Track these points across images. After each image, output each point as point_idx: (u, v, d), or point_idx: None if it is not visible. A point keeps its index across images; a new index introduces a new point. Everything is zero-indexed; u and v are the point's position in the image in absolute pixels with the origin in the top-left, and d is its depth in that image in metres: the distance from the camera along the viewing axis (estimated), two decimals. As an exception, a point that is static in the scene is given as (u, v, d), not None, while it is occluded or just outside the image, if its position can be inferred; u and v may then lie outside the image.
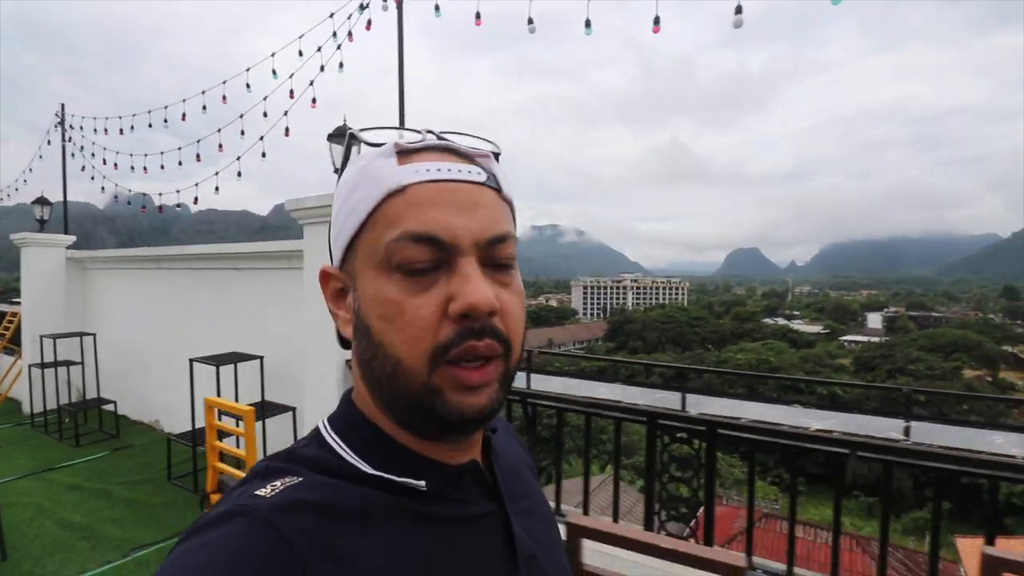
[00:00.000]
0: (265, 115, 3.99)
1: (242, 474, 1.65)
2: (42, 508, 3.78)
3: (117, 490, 4.02)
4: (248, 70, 3.69)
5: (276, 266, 4.16)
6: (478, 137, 0.49)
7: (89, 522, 3.57)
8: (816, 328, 68.55)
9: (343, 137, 3.68)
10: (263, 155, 4.22)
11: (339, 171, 0.48)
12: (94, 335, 5.87)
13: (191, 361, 4.12)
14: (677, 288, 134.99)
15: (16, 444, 5.20)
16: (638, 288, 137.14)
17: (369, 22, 3.50)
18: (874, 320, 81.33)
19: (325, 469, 0.43)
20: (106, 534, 3.41)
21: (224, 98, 4.20)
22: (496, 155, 0.49)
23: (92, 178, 4.81)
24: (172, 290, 5.46)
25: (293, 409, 3.99)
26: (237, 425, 2.92)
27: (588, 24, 3.04)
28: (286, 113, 3.69)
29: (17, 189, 7.39)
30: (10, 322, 6.97)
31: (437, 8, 3.10)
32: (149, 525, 3.50)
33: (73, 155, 6.23)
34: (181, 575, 0.34)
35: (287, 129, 3.91)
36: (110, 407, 5.57)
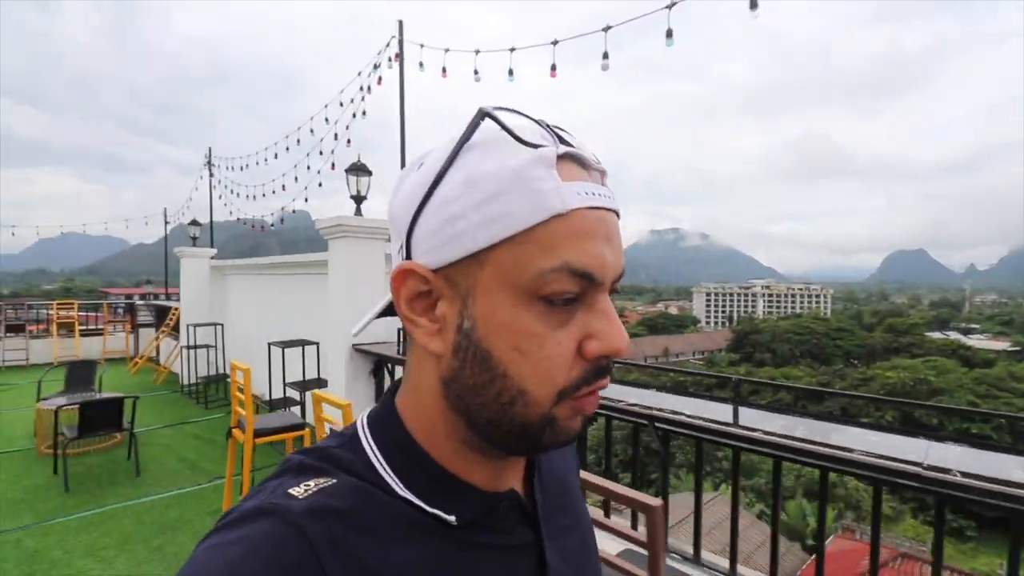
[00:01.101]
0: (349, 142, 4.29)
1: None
2: (169, 447, 5.05)
3: (220, 439, 5.15)
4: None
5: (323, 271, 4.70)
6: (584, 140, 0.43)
7: (196, 459, 4.74)
8: (1001, 344, 57.26)
9: (359, 171, 3.94)
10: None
11: (454, 153, 0.38)
12: (222, 324, 7.17)
13: (269, 345, 4.87)
14: (818, 295, 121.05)
15: (168, 404, 6.69)
16: (770, 295, 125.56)
17: (380, 78, 4.02)
18: (1089, 336, 65.30)
19: (358, 477, 0.42)
20: (203, 467, 4.54)
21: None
22: None
23: (264, 195, 5.51)
24: (269, 290, 6.57)
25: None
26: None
27: (670, 34, 2.67)
28: (348, 142, 3.96)
29: (183, 211, 9.05)
30: (173, 315, 8.59)
31: (511, 72, 2.98)
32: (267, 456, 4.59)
33: (218, 184, 7.51)
34: (211, 569, 0.33)
35: (333, 165, 4.07)
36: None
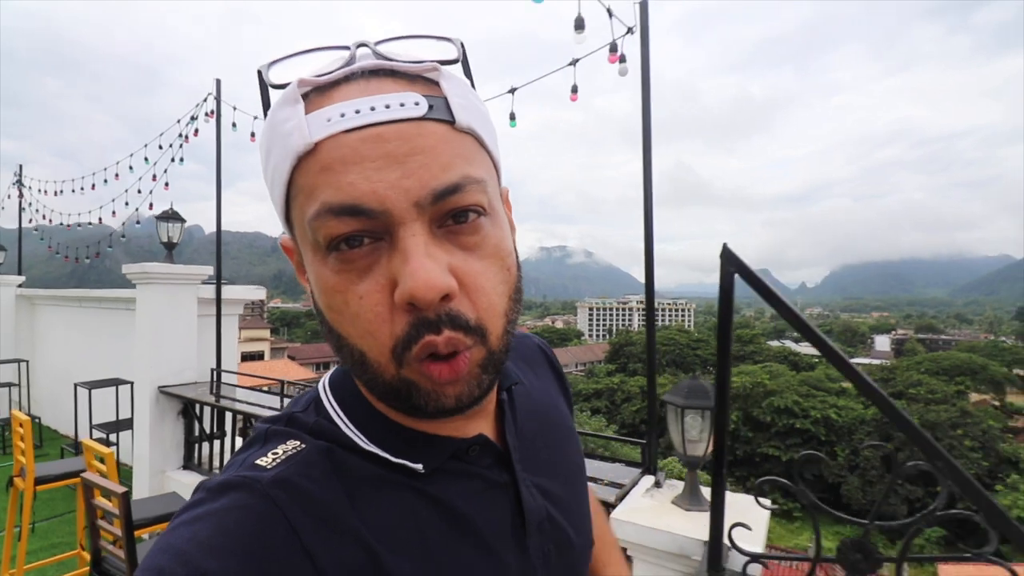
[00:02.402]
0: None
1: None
2: None
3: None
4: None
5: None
6: (434, 37, 0.38)
7: None
8: (822, 351, 67.43)
9: (171, 218, 4.11)
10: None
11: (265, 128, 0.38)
12: (27, 361, 6.54)
13: (75, 385, 4.70)
14: (684, 309, 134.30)
15: None
16: (644, 309, 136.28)
17: (196, 130, 4.08)
18: (882, 343, 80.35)
19: (324, 438, 0.40)
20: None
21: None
22: (452, 62, 0.38)
23: (139, 191, 4.85)
24: (84, 324, 6.21)
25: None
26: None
27: (512, 117, 2.49)
28: (166, 185, 3.92)
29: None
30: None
31: (512, 117, 2.53)
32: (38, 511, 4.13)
33: (28, 207, 6.82)
34: (179, 547, 0.32)
35: None
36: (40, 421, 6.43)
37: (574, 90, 2.12)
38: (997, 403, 38.95)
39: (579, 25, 1.86)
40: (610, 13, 1.91)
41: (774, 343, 67.13)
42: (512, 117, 2.42)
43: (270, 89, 0.36)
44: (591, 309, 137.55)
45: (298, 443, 0.39)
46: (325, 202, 0.33)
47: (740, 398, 33.66)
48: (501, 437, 0.47)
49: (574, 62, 2.09)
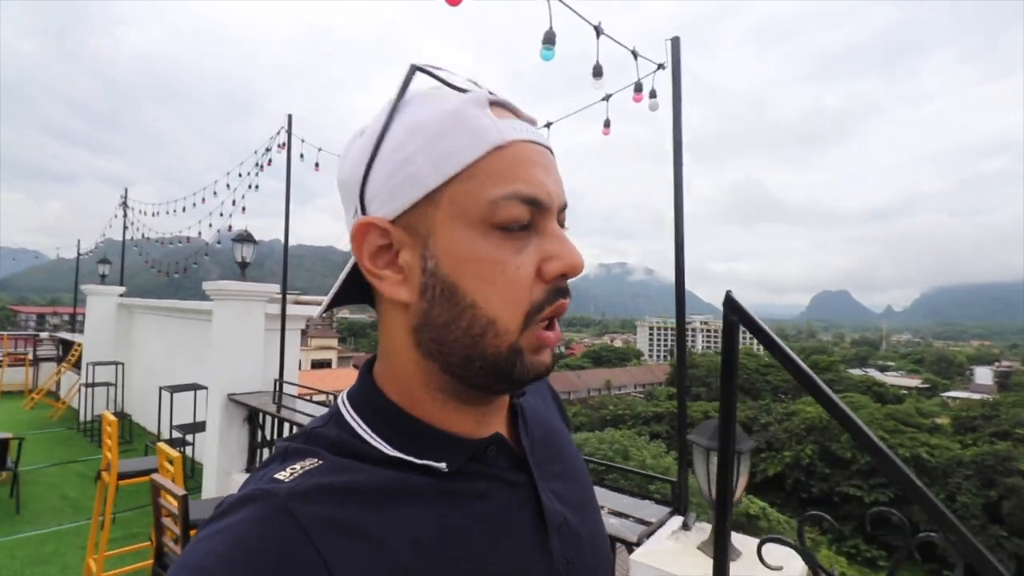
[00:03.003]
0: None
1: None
2: (54, 486, 5.17)
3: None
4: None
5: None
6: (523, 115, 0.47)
7: (78, 497, 4.88)
8: (914, 382, 62.00)
9: (245, 240, 4.47)
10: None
11: (394, 108, 0.42)
12: (123, 364, 7.31)
13: (160, 389, 5.19)
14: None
15: (60, 442, 6.72)
16: (708, 330, 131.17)
17: (270, 160, 4.46)
18: (983, 375, 72.43)
19: (345, 450, 0.42)
20: (84, 505, 4.65)
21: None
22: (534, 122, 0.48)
23: (220, 214, 5.46)
24: (172, 332, 6.84)
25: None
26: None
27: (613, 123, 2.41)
28: (244, 210, 4.22)
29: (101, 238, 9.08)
30: (76, 351, 8.53)
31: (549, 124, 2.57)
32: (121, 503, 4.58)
33: (131, 225, 7.72)
34: (199, 561, 0.34)
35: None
36: (131, 418, 7.16)
37: (606, 124, 2.15)
38: None
39: (597, 73, 1.89)
40: (635, 55, 1.93)
41: (856, 371, 62.20)
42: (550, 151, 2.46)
43: (444, 85, 0.44)
44: (651, 328, 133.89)
45: (316, 460, 0.41)
46: (517, 190, 0.40)
47: (816, 431, 31.39)
48: (515, 440, 0.50)
49: (607, 98, 2.12)
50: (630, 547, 1.70)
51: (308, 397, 4.35)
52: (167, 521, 2.06)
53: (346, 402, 0.46)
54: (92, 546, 3.30)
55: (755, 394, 50.92)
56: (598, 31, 1.83)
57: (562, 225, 0.44)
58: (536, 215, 0.41)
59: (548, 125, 2.45)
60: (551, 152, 0.45)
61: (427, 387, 0.44)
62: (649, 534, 1.79)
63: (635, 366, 76.98)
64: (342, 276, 0.47)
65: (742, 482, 1.64)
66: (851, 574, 20.64)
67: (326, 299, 0.49)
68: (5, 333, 11.36)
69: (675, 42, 1.93)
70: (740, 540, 1.76)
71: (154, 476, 2.07)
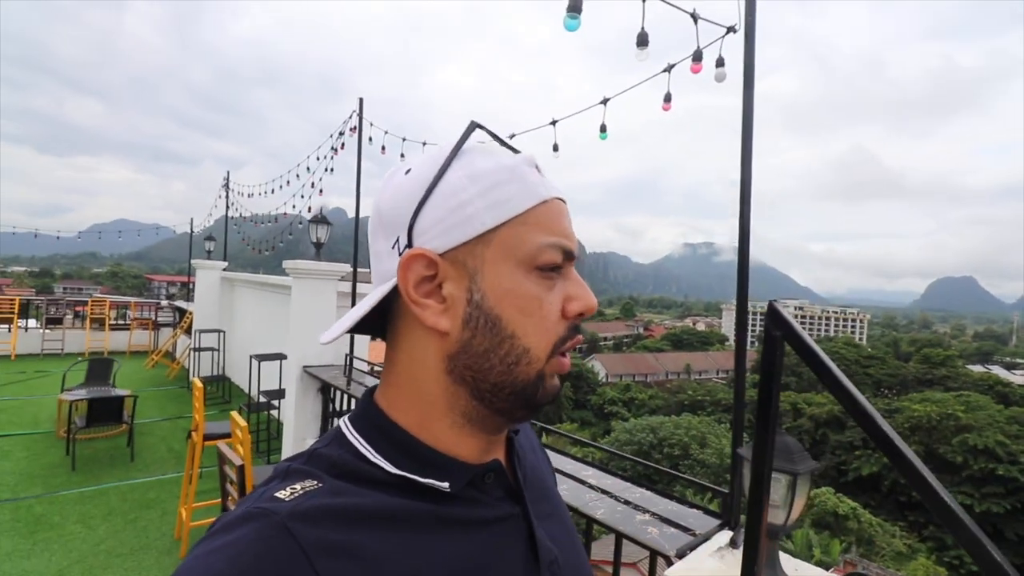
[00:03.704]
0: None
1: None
2: (164, 439, 5.84)
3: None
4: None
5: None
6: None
7: (182, 450, 5.38)
8: (1049, 383, 54.09)
9: (320, 221, 4.63)
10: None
11: (452, 155, 0.46)
12: (225, 332, 8.07)
13: (250, 357, 5.68)
14: (855, 320, 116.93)
15: (173, 400, 7.60)
16: (804, 316, 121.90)
17: (343, 144, 4.52)
18: None
19: (346, 471, 0.43)
20: (186, 456, 5.17)
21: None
22: None
23: (302, 196, 5.87)
24: (266, 304, 7.37)
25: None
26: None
27: (603, 129, 2.41)
28: (320, 192, 4.34)
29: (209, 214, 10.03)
30: (187, 318, 9.61)
31: (603, 129, 2.45)
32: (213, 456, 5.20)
33: (231, 205, 8.46)
34: None
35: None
36: (233, 381, 7.96)
37: (667, 99, 1.95)
38: None
39: (642, 41, 1.70)
40: (695, 18, 1.70)
41: (976, 368, 55.25)
42: (603, 129, 2.30)
43: (499, 144, 0.52)
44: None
45: (316, 482, 0.41)
46: (557, 241, 0.46)
47: (922, 430, 28.47)
48: (511, 472, 0.52)
49: (669, 68, 1.91)
50: (668, 561, 1.59)
51: (377, 375, 4.55)
52: (229, 488, 2.24)
53: (348, 424, 0.48)
54: (184, 497, 3.71)
55: (859, 385, 46.66)
56: (644, -7, 1.64)
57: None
58: (565, 262, 0.47)
59: (605, 101, 2.28)
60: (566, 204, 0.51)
61: (449, 411, 0.46)
62: (692, 548, 1.67)
63: (718, 351, 73.53)
64: (368, 306, 0.47)
65: (798, 506, 1.46)
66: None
67: (344, 324, 0.50)
68: (133, 300, 13.01)
69: (750, 0, 1.69)
70: (792, 565, 1.59)
71: (220, 444, 2.24)
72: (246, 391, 7.34)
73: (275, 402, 5.32)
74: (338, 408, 4.27)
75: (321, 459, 0.44)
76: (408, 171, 0.48)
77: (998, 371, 55.18)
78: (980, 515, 22.66)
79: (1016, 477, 24.45)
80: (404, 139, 3.91)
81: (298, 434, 4.35)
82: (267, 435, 5.30)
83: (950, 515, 0.68)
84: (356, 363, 4.47)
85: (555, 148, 2.72)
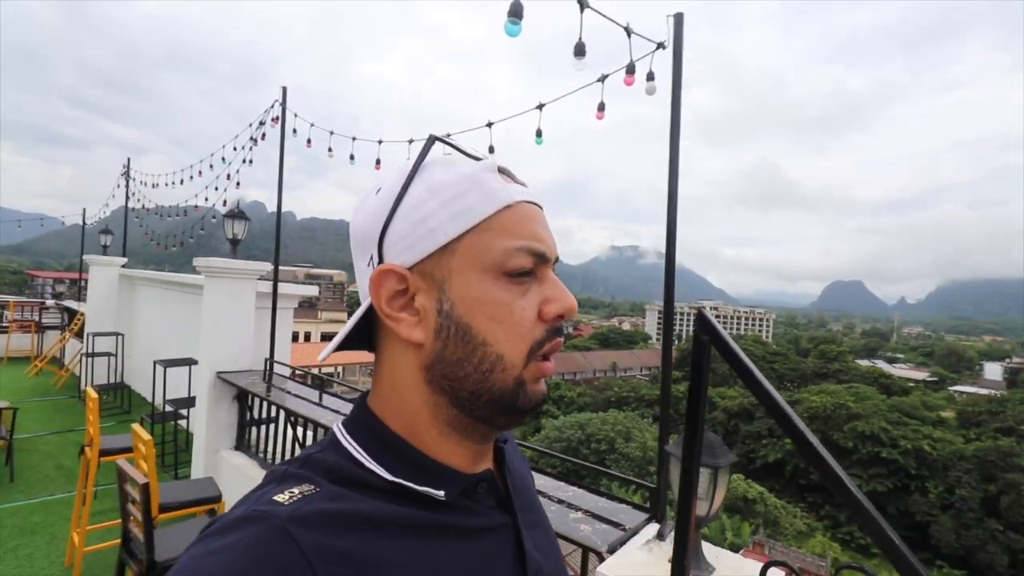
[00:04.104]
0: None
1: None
2: (51, 455, 5.16)
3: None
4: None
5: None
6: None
7: (73, 467, 4.78)
8: (922, 375, 61.57)
9: (236, 217, 4.36)
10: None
11: (414, 171, 0.47)
12: (124, 335, 7.36)
13: (154, 363, 5.17)
14: (762, 319, 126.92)
15: (61, 411, 6.76)
16: (718, 315, 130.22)
17: (264, 135, 4.27)
18: (993, 370, 71.50)
19: (342, 476, 0.43)
20: (78, 475, 4.50)
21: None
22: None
23: (216, 188, 5.34)
24: (171, 305, 6.77)
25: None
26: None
27: (539, 134, 2.41)
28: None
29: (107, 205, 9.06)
30: (78, 320, 8.61)
31: (539, 134, 2.46)
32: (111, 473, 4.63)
33: (133, 195, 7.67)
34: None
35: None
36: (134, 389, 7.14)
37: (601, 108, 2.00)
38: None
39: (579, 51, 1.74)
40: (628, 33, 1.77)
41: (864, 362, 61.66)
42: (539, 134, 2.32)
43: (460, 154, 0.52)
44: (660, 312, 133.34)
45: (313, 486, 0.41)
46: (525, 243, 0.46)
47: (819, 419, 31.34)
48: (501, 482, 0.53)
49: (603, 78, 1.97)
50: (600, 557, 1.63)
51: (300, 379, 4.32)
52: (132, 508, 2.03)
53: (343, 430, 0.48)
54: (76, 519, 3.31)
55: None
56: (582, 4, 1.67)
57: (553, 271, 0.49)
58: (538, 265, 0.46)
59: (541, 107, 2.30)
60: (541, 209, 0.51)
61: (434, 421, 0.47)
62: (622, 542, 1.72)
63: (642, 349, 76.96)
64: (351, 322, 0.49)
65: (719, 497, 1.55)
66: (845, 559, 20.82)
67: (332, 344, 0.51)
68: (12, 299, 11.49)
69: (678, 18, 1.77)
70: (712, 552, 1.69)
71: (120, 460, 2.02)
72: (149, 400, 6.71)
73: (183, 411, 4.90)
74: (256, 416, 4.01)
75: (317, 464, 0.44)
76: (378, 190, 0.49)
77: (882, 365, 61.95)
78: (867, 494, 25.11)
79: (897, 459, 27.59)
80: (332, 132, 3.73)
81: (211, 445, 4.03)
82: (174, 448, 4.85)
83: (852, 499, 0.75)
84: (277, 368, 4.22)
85: (491, 150, 2.73)
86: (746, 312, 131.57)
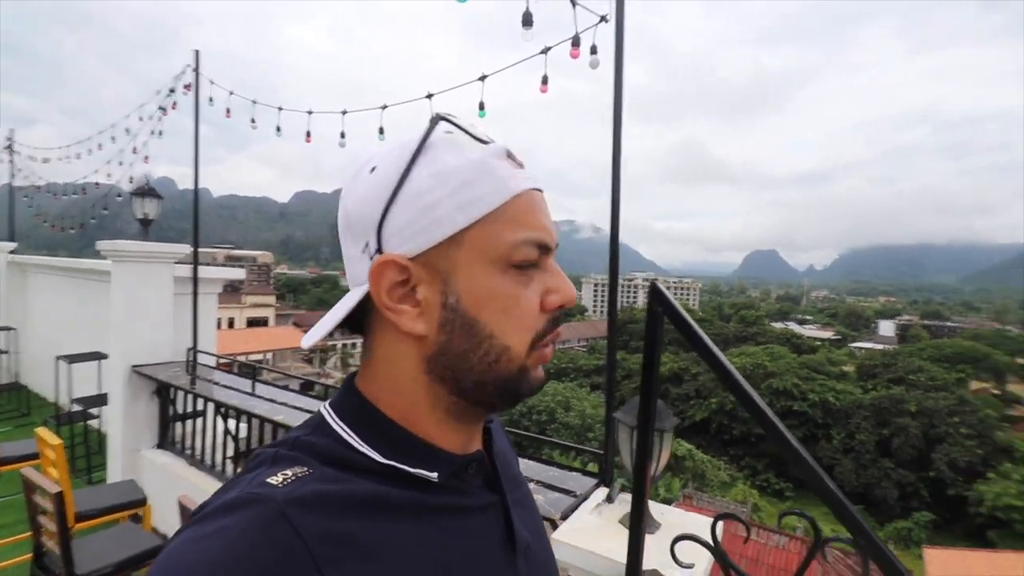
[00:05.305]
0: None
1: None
2: None
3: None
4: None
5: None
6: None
7: None
8: (827, 334, 67.58)
9: (146, 194, 3.99)
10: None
11: (416, 152, 0.44)
12: (15, 329, 6.60)
13: (56, 358, 4.69)
14: (689, 288, 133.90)
15: None
16: (649, 288, 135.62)
17: (175, 103, 3.83)
18: (886, 327, 79.88)
19: (334, 458, 0.42)
20: None
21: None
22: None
23: (120, 163, 4.71)
24: (74, 294, 6.09)
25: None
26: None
27: (482, 107, 2.32)
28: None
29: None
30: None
31: (482, 107, 2.37)
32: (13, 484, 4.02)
33: (18, 172, 6.73)
34: (193, 564, 0.32)
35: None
36: (32, 389, 6.40)
37: (544, 81, 1.97)
38: (997, 392, 38.86)
39: (527, 22, 1.70)
40: (574, 3, 1.74)
41: (778, 324, 66.85)
42: (481, 107, 2.25)
43: (467, 136, 0.47)
44: (596, 285, 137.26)
45: (305, 468, 0.40)
46: (533, 235, 0.45)
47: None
48: (489, 461, 0.53)
49: (546, 50, 1.93)
50: (552, 526, 1.67)
51: (225, 368, 4.06)
52: (43, 520, 1.83)
53: (331, 412, 0.47)
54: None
55: (686, 345, 53.72)
56: (524, -30, 1.62)
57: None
58: (541, 254, 0.46)
59: (483, 78, 2.22)
60: (542, 192, 0.49)
61: (433, 409, 0.46)
62: (574, 508, 1.77)
63: (579, 321, 79.12)
64: (344, 311, 0.47)
65: (664, 457, 1.62)
66: (762, 504, 22.91)
67: (323, 330, 0.47)
68: None
69: (620, -8, 1.75)
70: (658, 509, 1.77)
71: (24, 471, 1.81)
72: (51, 400, 6.08)
73: (94, 410, 4.49)
74: (180, 411, 3.74)
75: (307, 446, 0.43)
76: (373, 169, 0.45)
77: (793, 327, 67.42)
78: (781, 444, 27.70)
79: (806, 411, 30.40)
80: (255, 102, 3.44)
81: (128, 444, 3.72)
82: (85, 450, 4.43)
83: (791, 449, 0.79)
84: (202, 358, 3.94)
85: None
86: (675, 282, 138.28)
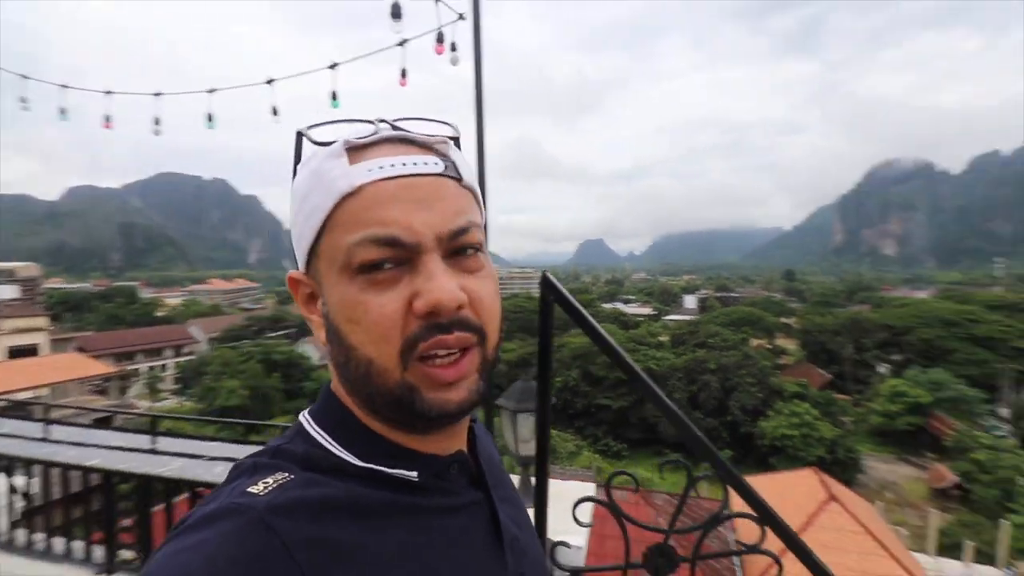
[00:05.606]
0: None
1: None
2: None
3: None
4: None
5: None
6: (437, 121, 0.47)
7: None
8: (646, 310, 77.27)
9: None
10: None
11: (294, 171, 0.45)
12: None
13: None
14: (531, 278, 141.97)
15: None
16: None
17: None
18: (690, 301, 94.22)
19: (314, 465, 0.42)
20: None
21: None
22: (455, 140, 0.47)
23: None
24: None
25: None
26: None
27: (335, 96, 2.23)
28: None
29: None
30: None
31: (334, 97, 2.24)
32: None
33: None
34: None
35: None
36: None
37: (403, 75, 1.94)
38: (770, 346, 48.65)
39: (396, 14, 1.68)
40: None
41: (607, 305, 74.57)
42: (334, 96, 2.13)
43: (313, 144, 0.44)
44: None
45: (287, 475, 0.40)
46: (368, 233, 0.41)
47: (580, 357, 37.04)
48: (474, 460, 0.53)
49: (403, 43, 1.90)
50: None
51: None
52: None
53: (309, 419, 0.47)
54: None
55: (533, 331, 57.36)
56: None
57: (470, 247, 0.44)
58: (405, 252, 0.41)
59: (334, 66, 2.10)
60: (444, 177, 0.44)
61: (370, 418, 0.46)
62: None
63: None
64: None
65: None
66: (604, 466, 25.65)
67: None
68: None
69: (474, -9, 1.80)
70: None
71: None
72: None
73: None
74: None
75: (287, 454, 0.43)
76: None
77: (620, 306, 75.77)
78: (618, 410, 31.11)
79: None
80: (25, 77, 2.75)
81: None
82: None
83: (669, 410, 0.94)
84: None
85: (274, 111, 2.40)
86: (518, 272, 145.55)
